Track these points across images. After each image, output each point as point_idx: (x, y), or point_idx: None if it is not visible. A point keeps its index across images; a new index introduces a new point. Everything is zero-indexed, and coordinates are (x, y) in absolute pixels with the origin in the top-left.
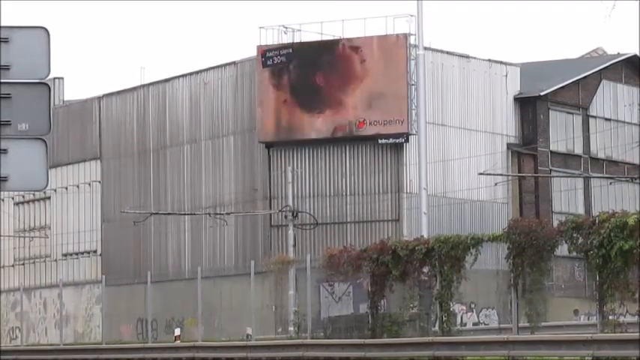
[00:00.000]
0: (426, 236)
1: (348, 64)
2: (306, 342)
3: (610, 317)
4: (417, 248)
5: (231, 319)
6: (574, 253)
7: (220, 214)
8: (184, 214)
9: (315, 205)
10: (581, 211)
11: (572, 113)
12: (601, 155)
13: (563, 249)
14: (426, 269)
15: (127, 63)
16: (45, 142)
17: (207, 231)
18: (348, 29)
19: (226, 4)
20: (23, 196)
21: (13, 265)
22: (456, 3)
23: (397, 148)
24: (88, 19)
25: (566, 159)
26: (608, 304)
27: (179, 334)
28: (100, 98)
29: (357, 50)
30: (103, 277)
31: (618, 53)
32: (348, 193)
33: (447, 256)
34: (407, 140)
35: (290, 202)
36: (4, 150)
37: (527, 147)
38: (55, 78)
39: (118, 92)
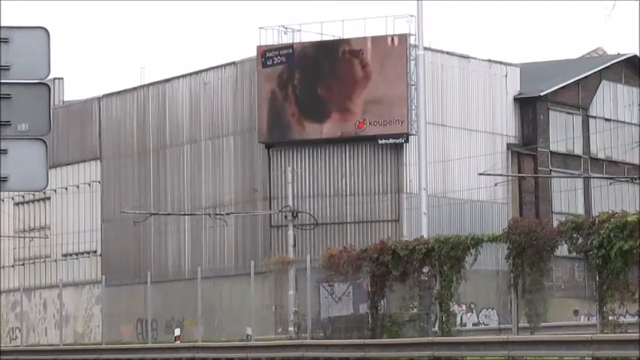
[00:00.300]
0: (425, 236)
1: (349, 72)
2: (306, 342)
3: (610, 317)
4: (416, 248)
5: (231, 320)
6: (574, 254)
7: (220, 214)
8: (184, 215)
9: (315, 205)
10: (581, 211)
11: (572, 113)
12: (601, 155)
13: (563, 249)
14: (425, 269)
15: (127, 63)
16: (45, 142)
17: (207, 231)
18: (347, 29)
19: (226, 4)
20: (23, 197)
21: (13, 266)
22: (456, 3)
23: (397, 149)
24: (88, 19)
25: (566, 159)
26: (608, 304)
27: (179, 334)
28: (100, 98)
29: (357, 54)
30: (103, 277)
31: (618, 53)
32: (348, 193)
33: (447, 256)
34: (407, 140)
35: (290, 203)
36: (4, 150)
37: (527, 147)
38: (55, 78)
39: (118, 92)
